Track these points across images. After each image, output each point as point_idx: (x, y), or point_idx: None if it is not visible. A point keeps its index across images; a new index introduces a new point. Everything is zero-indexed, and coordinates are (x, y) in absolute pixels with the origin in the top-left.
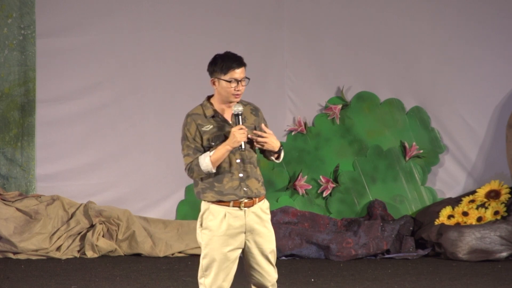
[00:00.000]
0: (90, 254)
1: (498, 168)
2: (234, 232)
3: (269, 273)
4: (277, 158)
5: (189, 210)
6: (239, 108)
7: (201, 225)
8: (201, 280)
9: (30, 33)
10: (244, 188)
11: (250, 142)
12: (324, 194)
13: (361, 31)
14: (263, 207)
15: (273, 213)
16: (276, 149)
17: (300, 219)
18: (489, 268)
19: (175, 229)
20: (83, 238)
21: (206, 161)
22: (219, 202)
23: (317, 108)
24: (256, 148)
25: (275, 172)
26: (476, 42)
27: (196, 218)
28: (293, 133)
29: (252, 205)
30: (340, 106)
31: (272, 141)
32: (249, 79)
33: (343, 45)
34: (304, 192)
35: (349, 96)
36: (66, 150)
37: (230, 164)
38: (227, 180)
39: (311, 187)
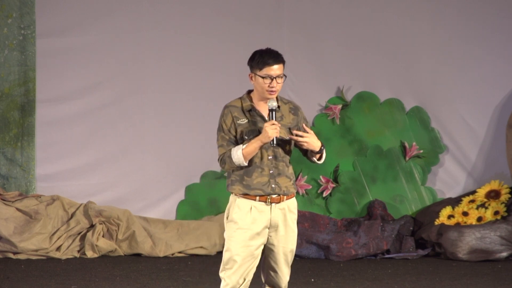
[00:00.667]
0: (90, 254)
1: (498, 168)
2: (259, 226)
3: (285, 274)
4: (319, 159)
5: (189, 210)
6: (273, 104)
7: (227, 217)
8: (221, 274)
9: (30, 33)
10: (273, 185)
11: (285, 141)
12: (324, 194)
13: (361, 31)
14: (290, 205)
15: None
16: (317, 149)
17: (300, 219)
18: (489, 268)
19: (175, 229)
20: (83, 238)
21: (238, 154)
22: (245, 195)
23: (317, 108)
24: (293, 147)
25: None
26: (476, 42)
27: (196, 218)
28: None
29: (279, 202)
30: (340, 106)
31: (313, 141)
32: (285, 76)
33: (343, 45)
34: (304, 192)
35: (349, 96)
36: (66, 150)
37: (262, 160)
38: (256, 175)
39: (311, 187)
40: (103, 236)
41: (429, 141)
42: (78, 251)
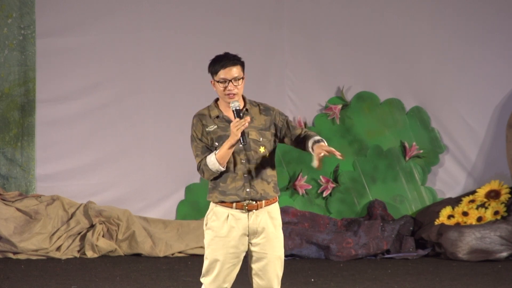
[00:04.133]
0: (90, 254)
1: (498, 168)
2: (237, 234)
3: (272, 283)
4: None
5: (189, 210)
6: (235, 104)
7: (206, 224)
8: (202, 280)
9: (30, 33)
10: (247, 189)
11: (258, 142)
12: (324, 194)
13: (361, 31)
14: (271, 211)
15: None
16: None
17: (300, 219)
18: (489, 268)
19: (175, 229)
20: (83, 238)
21: (212, 159)
22: (222, 203)
23: (317, 108)
24: (271, 148)
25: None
26: (476, 42)
27: (196, 218)
28: None
29: (257, 208)
30: (340, 106)
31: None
32: (243, 78)
33: (343, 45)
34: (304, 192)
35: (349, 96)
36: (66, 150)
37: (235, 164)
38: (230, 180)
39: (311, 187)
40: (103, 236)
41: (429, 141)
42: (78, 251)
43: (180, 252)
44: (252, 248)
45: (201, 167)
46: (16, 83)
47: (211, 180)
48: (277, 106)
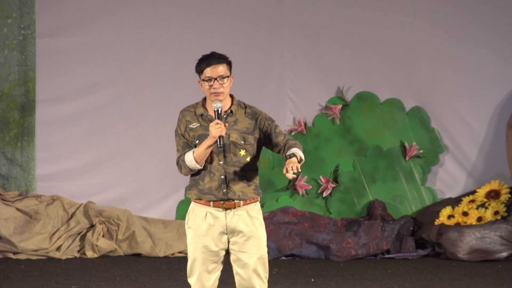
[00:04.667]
0: (90, 254)
1: (498, 168)
2: (215, 232)
3: (253, 283)
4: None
5: None
6: (218, 105)
7: (187, 223)
8: (188, 280)
9: (30, 33)
10: (224, 190)
11: (238, 145)
12: (324, 194)
13: (361, 31)
14: (250, 210)
15: (273, 213)
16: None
17: (300, 219)
18: (489, 268)
19: (175, 229)
20: (83, 238)
21: (190, 157)
22: (200, 200)
23: (317, 108)
24: (254, 152)
25: (275, 172)
26: (476, 42)
27: None
28: (293, 133)
29: (234, 207)
30: (340, 106)
31: (297, 164)
32: (228, 76)
33: (343, 45)
34: (304, 192)
35: (349, 96)
36: (66, 150)
37: (212, 164)
38: (208, 180)
39: (311, 187)
40: (103, 236)
41: (429, 141)
42: (78, 251)
43: (180, 252)
44: (231, 247)
45: (179, 163)
46: (16, 83)
47: (191, 176)
48: (277, 106)
